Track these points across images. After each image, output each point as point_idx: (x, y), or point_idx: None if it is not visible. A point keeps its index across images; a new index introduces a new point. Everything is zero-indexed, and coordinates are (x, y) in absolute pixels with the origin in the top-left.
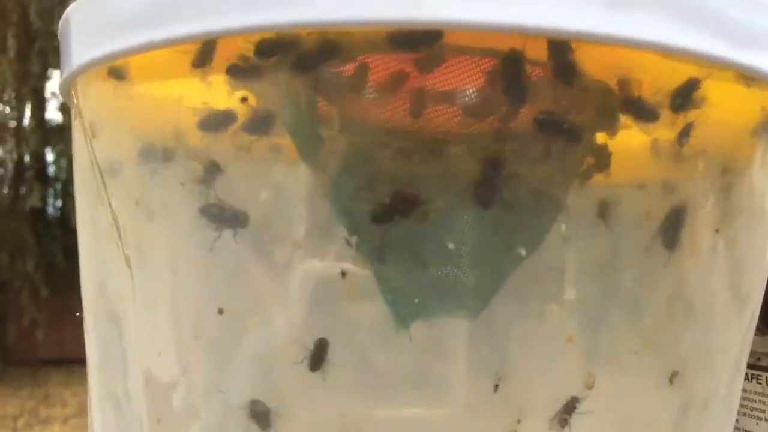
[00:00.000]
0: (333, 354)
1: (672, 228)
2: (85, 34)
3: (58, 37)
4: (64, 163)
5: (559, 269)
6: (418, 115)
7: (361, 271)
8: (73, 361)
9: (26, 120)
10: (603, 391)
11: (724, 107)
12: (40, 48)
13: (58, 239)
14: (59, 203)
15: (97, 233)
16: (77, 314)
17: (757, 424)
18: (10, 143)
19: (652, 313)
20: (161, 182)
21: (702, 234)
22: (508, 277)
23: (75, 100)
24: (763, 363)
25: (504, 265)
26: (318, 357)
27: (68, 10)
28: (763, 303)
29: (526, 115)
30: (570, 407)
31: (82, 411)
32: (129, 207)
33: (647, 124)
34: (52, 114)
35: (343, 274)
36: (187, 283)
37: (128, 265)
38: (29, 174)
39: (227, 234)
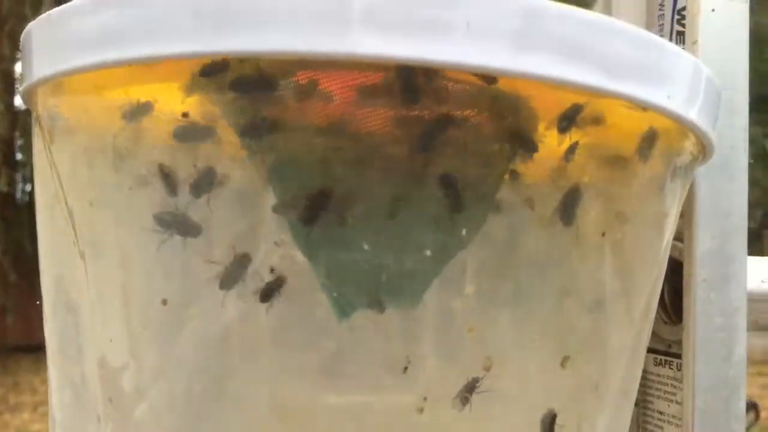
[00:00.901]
0: (269, 338)
1: (567, 209)
2: (44, 51)
3: (20, 48)
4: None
5: (464, 267)
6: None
7: (291, 268)
8: (42, 348)
9: None
10: (500, 372)
11: (617, 127)
12: (10, 30)
13: (26, 225)
14: (28, 188)
15: (55, 230)
16: (38, 303)
17: (669, 405)
18: None
19: (545, 306)
20: (113, 186)
21: (589, 236)
22: (440, 272)
23: (35, 108)
24: (674, 350)
25: (436, 263)
26: (269, 290)
27: (30, 25)
28: (672, 297)
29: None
30: (470, 387)
31: None
32: (84, 207)
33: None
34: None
35: (272, 270)
36: (136, 278)
37: (83, 259)
38: (0, 157)
39: (176, 238)
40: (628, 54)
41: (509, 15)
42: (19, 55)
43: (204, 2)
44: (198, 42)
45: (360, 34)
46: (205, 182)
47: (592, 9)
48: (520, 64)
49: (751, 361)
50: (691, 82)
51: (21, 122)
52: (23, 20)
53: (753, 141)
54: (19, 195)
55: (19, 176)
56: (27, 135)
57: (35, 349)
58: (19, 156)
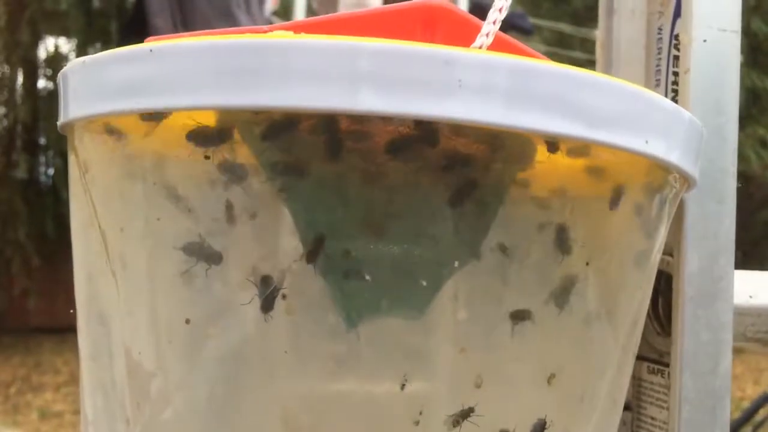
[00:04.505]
0: (281, 351)
1: (560, 240)
2: (79, 93)
3: (58, 84)
4: (55, 132)
5: (457, 291)
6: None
7: (302, 290)
8: (65, 330)
9: (17, 88)
10: (490, 393)
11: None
12: (31, 16)
13: (49, 208)
14: (51, 171)
15: (89, 250)
16: (60, 285)
17: (660, 412)
18: (1, 112)
19: (531, 327)
20: (143, 215)
21: (574, 265)
22: (442, 286)
23: (71, 140)
24: (666, 360)
25: (439, 278)
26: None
27: (66, 68)
28: (666, 309)
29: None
30: (465, 414)
31: (74, 379)
32: (115, 232)
33: None
34: (43, 82)
35: (284, 296)
36: (162, 298)
37: (114, 278)
38: (20, 143)
39: (200, 265)
40: (607, 106)
41: (499, 74)
42: (40, 42)
43: (224, 62)
44: (217, 97)
45: (365, 93)
46: (227, 216)
47: (594, 32)
48: (511, 119)
49: None
50: (670, 127)
51: (43, 106)
52: (43, 4)
53: None
54: (42, 179)
55: (42, 160)
56: (50, 119)
57: (58, 330)
58: (42, 140)
